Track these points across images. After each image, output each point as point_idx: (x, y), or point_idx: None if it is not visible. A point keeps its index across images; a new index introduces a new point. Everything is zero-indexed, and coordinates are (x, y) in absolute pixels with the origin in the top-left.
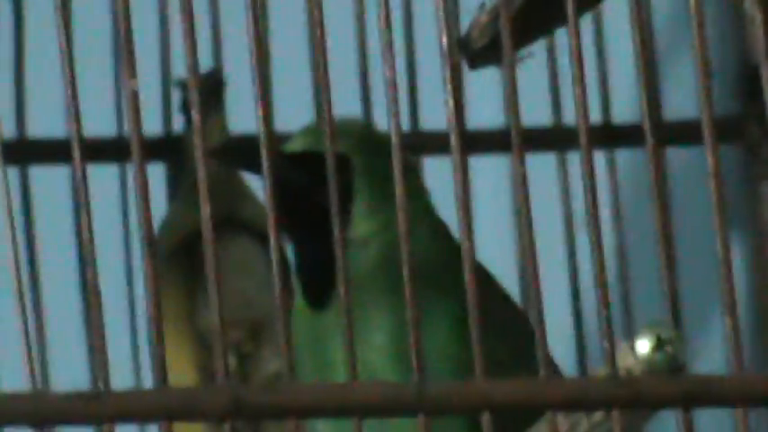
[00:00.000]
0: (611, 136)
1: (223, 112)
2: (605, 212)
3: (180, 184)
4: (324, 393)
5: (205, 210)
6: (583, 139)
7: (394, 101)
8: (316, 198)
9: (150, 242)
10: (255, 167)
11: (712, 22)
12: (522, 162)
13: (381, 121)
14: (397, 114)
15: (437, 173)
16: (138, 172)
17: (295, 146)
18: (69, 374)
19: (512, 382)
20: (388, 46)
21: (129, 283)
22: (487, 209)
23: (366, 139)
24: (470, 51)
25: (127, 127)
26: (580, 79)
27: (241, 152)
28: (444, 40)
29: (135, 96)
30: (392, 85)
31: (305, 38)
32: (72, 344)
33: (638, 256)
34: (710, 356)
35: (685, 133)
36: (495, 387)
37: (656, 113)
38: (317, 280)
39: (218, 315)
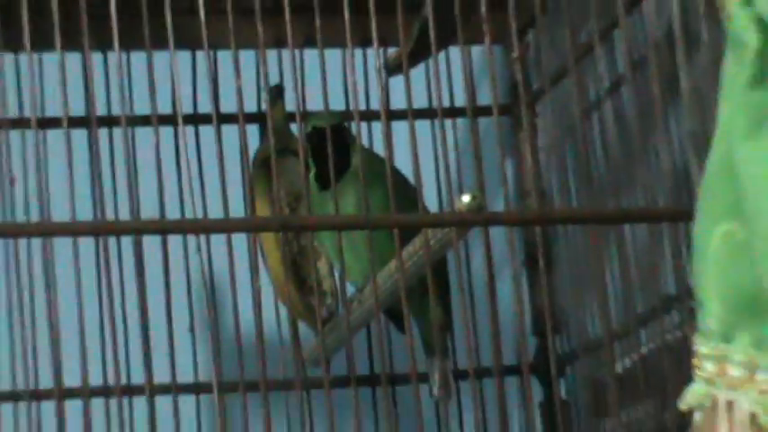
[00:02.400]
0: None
1: (283, 102)
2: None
3: (264, 133)
4: (325, 219)
5: (271, 147)
6: (411, 120)
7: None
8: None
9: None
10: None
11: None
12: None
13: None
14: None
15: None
16: (241, 133)
17: (319, 122)
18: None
19: (413, 215)
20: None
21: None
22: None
23: (333, 125)
24: (388, 67)
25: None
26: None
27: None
28: (379, 63)
29: (239, 93)
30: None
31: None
32: None
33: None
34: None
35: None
36: (404, 217)
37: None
38: (326, 178)
39: (276, 192)
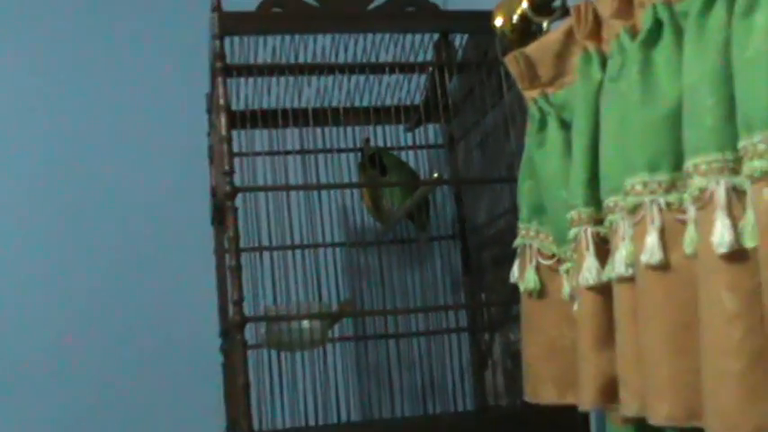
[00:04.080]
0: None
1: (369, 144)
2: None
3: (363, 155)
4: (384, 182)
5: (366, 160)
6: None
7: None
8: (379, 166)
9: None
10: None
11: None
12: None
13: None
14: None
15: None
16: (356, 156)
17: (372, 151)
18: None
19: (416, 180)
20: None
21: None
22: None
23: (384, 150)
24: (407, 129)
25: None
26: None
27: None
28: (404, 128)
29: (354, 142)
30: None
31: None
32: None
33: None
34: None
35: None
36: (412, 181)
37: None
38: (383, 172)
39: (368, 176)
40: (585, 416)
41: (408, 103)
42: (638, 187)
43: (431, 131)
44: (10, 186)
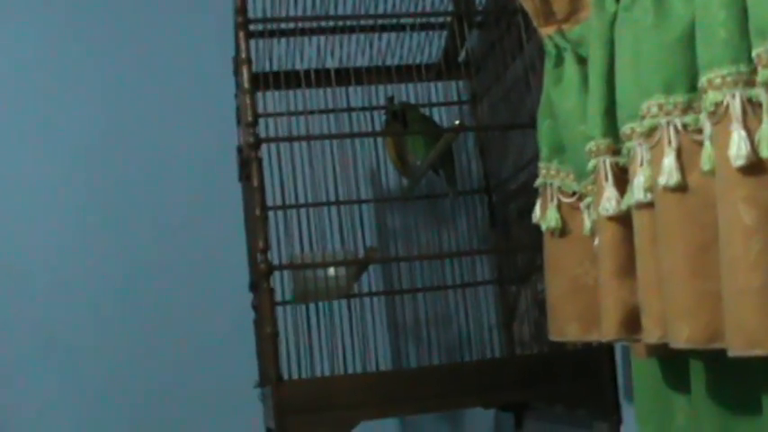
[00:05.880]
0: None
1: (393, 101)
2: None
3: (387, 111)
4: (408, 131)
5: (389, 116)
6: None
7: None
8: (403, 119)
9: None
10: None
11: None
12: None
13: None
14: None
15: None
16: (382, 116)
17: (395, 108)
18: None
19: (439, 130)
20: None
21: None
22: None
23: (409, 105)
24: (430, 78)
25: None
26: None
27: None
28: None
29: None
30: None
31: None
32: None
33: None
34: None
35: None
36: (435, 130)
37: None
38: (404, 126)
39: (391, 127)
40: (612, 360)
41: (430, 62)
42: (654, 109)
43: (454, 89)
44: (49, 156)
